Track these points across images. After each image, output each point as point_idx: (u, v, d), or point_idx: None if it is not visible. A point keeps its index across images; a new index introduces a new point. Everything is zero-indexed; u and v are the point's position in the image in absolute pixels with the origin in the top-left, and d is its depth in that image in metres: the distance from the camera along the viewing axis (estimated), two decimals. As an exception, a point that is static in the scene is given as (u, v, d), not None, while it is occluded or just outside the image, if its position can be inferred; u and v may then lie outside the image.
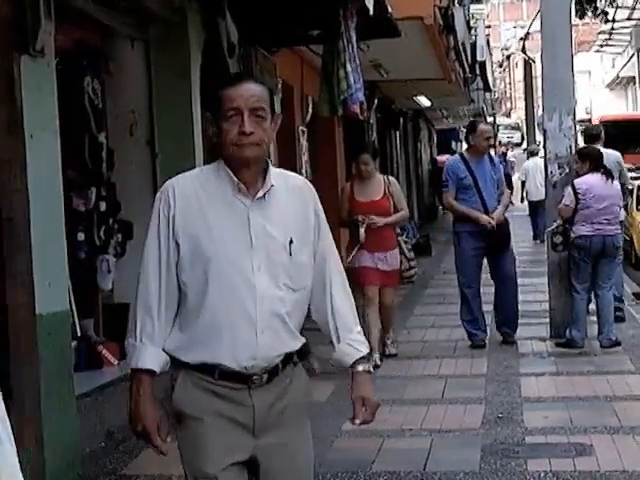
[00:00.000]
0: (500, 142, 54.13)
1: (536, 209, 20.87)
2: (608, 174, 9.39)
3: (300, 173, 13.92)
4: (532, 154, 23.55)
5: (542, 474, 5.58)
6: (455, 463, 5.82)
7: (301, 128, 14.23)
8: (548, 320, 10.17)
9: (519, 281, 14.19)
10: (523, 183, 22.95)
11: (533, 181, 21.44)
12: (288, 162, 13.46)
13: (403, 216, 9.23)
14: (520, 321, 11.06)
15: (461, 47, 18.80)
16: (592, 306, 9.80)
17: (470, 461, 5.83)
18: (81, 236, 7.66)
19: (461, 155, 9.83)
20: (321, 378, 8.54)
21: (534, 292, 13.01)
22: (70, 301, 6.55)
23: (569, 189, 9.41)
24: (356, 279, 8.60)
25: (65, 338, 5.97)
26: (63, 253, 5.92)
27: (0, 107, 5.11)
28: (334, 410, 7.36)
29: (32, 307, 5.33)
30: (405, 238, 9.33)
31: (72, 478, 5.80)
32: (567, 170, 9.93)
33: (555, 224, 9.53)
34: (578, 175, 9.56)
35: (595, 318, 9.54)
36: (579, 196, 9.24)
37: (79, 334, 7.60)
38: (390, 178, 9.39)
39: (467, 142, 9.86)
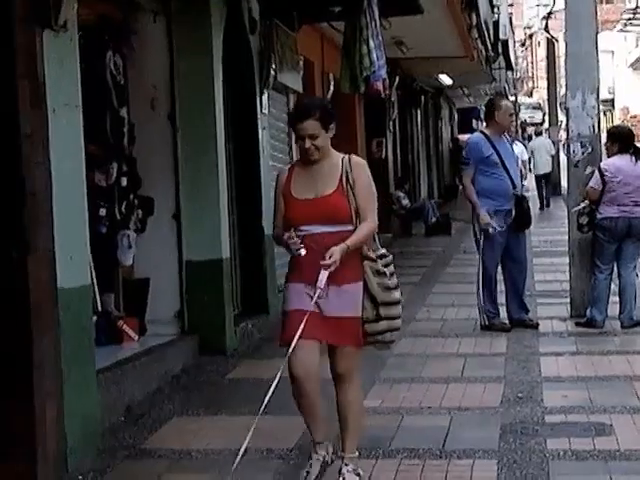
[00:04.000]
0: (525, 121, 53.79)
1: (541, 182, 25.20)
2: (638, 155, 9.31)
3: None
4: (538, 134, 28.59)
5: (561, 453, 5.57)
6: (474, 441, 5.81)
7: (322, 105, 14.16)
8: (568, 300, 10.13)
9: (538, 260, 14.31)
10: (529, 160, 25.63)
11: (539, 157, 25.16)
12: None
13: (367, 231, 5.14)
14: (540, 300, 11.06)
15: (484, 25, 18.70)
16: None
17: (489, 439, 5.83)
18: (102, 211, 7.68)
19: (482, 133, 9.69)
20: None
21: (554, 272, 12.98)
22: (91, 276, 6.57)
23: (596, 171, 9.35)
24: (281, 333, 5.10)
25: (86, 313, 5.99)
26: (85, 228, 5.94)
27: (23, 82, 5.10)
28: (353, 387, 7.36)
29: (54, 281, 5.35)
30: (383, 265, 5.14)
31: (92, 452, 5.83)
32: (590, 149, 9.86)
33: (582, 205, 9.44)
34: (608, 155, 9.50)
35: (616, 298, 9.49)
36: (606, 179, 9.18)
37: (99, 309, 7.63)
38: (353, 159, 5.25)
39: (489, 119, 9.69)
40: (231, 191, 9.52)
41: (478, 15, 16.77)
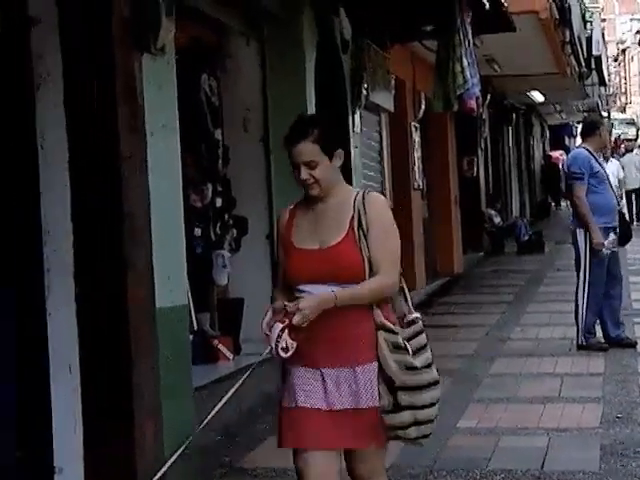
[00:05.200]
0: (620, 137, 53.12)
1: (631, 197, 25.80)
2: None
3: (412, 170, 13.89)
4: (628, 151, 29.19)
5: (664, 476, 5.45)
6: (574, 462, 5.72)
7: (413, 124, 14.18)
8: (667, 319, 9.94)
9: (635, 279, 14.05)
10: None
11: (629, 173, 25.60)
12: (401, 159, 13.44)
13: (376, 288, 3.80)
14: (637, 320, 10.85)
15: (577, 41, 18.51)
16: None
17: (589, 461, 5.72)
18: (197, 231, 7.78)
19: (586, 149, 9.49)
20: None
21: (652, 290, 12.76)
22: (187, 295, 6.64)
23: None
24: (279, 432, 3.96)
25: (184, 332, 6.06)
26: (182, 248, 6.01)
27: (122, 105, 5.20)
28: (448, 407, 7.30)
29: (152, 301, 5.42)
30: (407, 337, 3.81)
31: (189, 470, 5.87)
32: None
33: None
34: None
35: None
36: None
37: (195, 328, 7.72)
38: (369, 196, 3.91)
39: (590, 136, 9.44)
40: (324, 211, 9.55)
41: (571, 31, 16.59)
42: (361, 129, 10.67)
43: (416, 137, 14.31)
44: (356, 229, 3.81)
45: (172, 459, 4.09)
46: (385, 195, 12.22)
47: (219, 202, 8.11)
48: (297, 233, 3.92)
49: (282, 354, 3.69)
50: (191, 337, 7.07)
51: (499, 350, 9.67)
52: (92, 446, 5.14)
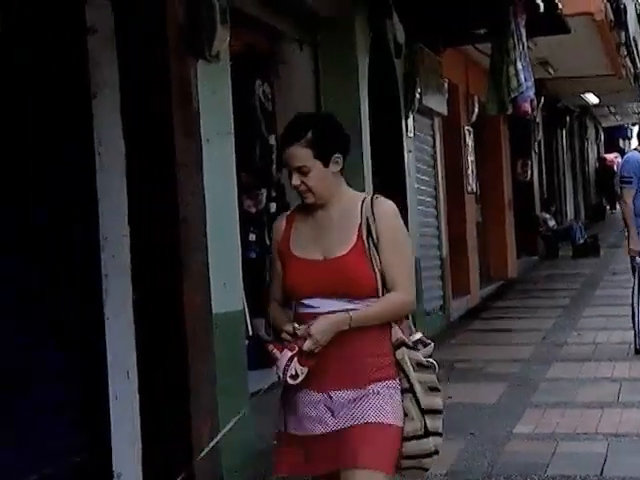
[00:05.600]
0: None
1: None
2: None
3: (466, 174, 13.83)
4: None
5: None
6: (634, 468, 5.65)
7: (467, 128, 14.12)
8: None
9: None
10: None
11: None
12: (454, 162, 13.38)
13: (393, 305, 3.48)
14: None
15: (632, 42, 18.33)
16: None
17: (650, 467, 5.66)
18: (252, 237, 7.79)
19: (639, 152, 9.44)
20: (490, 380, 8.47)
21: None
22: (243, 301, 6.66)
23: None
24: (276, 460, 3.70)
25: (240, 337, 6.08)
26: (237, 254, 6.03)
27: (177, 111, 5.23)
28: (505, 412, 7.27)
29: (208, 306, 5.44)
30: (425, 355, 3.53)
31: (246, 475, 5.88)
32: None
33: None
34: None
35: None
36: None
37: (250, 333, 7.73)
38: (377, 202, 3.56)
39: None
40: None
41: (627, 32, 16.43)
42: (414, 133, 10.65)
43: (469, 141, 14.26)
44: (365, 238, 3.45)
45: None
46: (439, 199, 12.18)
47: (273, 207, 8.12)
48: (296, 241, 3.55)
49: (291, 382, 3.43)
50: (246, 342, 7.09)
51: (556, 354, 9.60)
52: (150, 450, 5.17)
